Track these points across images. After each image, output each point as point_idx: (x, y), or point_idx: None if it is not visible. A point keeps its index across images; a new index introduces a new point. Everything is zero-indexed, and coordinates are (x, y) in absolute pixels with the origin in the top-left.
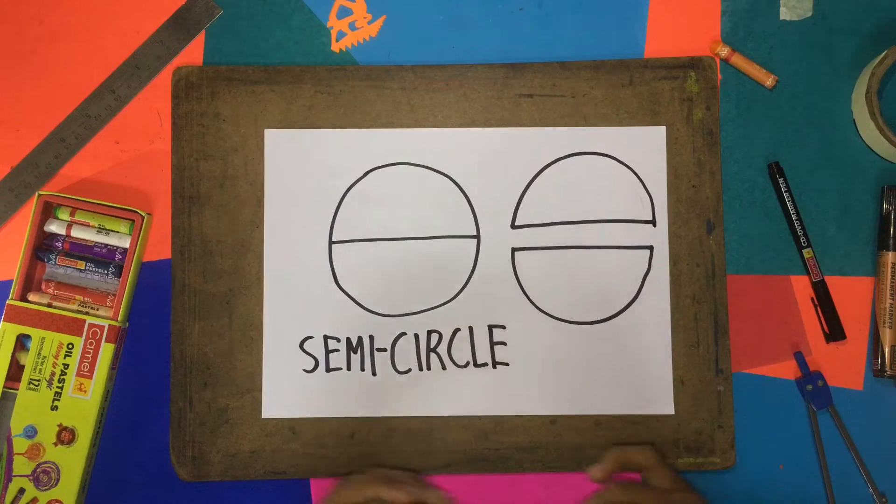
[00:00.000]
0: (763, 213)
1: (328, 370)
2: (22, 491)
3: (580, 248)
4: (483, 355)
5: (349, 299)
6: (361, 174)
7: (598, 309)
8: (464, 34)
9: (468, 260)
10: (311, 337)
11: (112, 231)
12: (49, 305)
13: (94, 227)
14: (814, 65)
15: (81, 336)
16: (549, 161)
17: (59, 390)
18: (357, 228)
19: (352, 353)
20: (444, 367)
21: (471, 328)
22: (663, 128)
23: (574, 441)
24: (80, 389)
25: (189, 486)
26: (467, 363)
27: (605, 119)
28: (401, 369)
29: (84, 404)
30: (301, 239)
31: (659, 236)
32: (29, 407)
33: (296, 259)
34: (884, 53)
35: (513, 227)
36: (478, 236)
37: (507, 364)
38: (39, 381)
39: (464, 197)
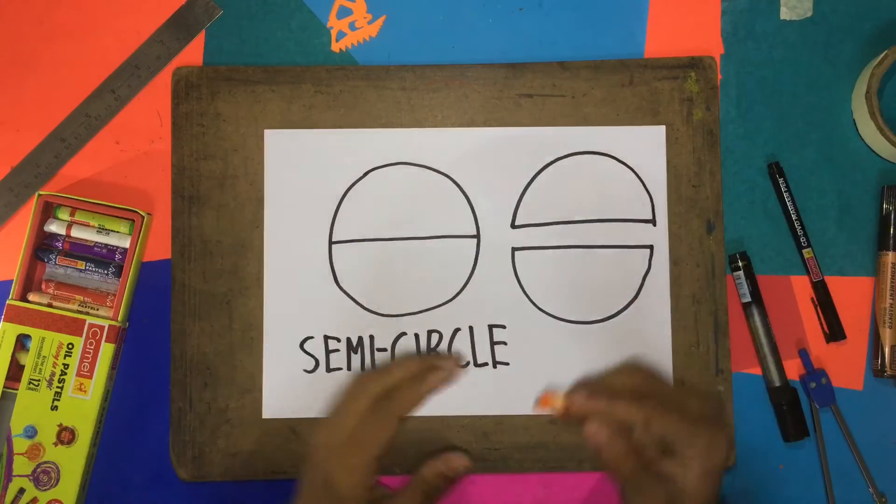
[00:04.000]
0: (763, 213)
1: (328, 370)
2: (22, 491)
3: (580, 248)
4: (483, 355)
5: (349, 299)
6: (361, 174)
7: (598, 308)
8: (464, 34)
9: (468, 260)
10: (312, 337)
11: (112, 231)
12: (49, 305)
13: (94, 227)
14: (814, 65)
15: (81, 336)
16: (549, 161)
17: (59, 390)
18: (357, 228)
19: (352, 354)
20: None
21: (471, 328)
22: (663, 127)
23: (574, 441)
24: (80, 389)
25: (189, 486)
26: (467, 363)
27: (605, 119)
28: None
29: (84, 404)
30: (301, 239)
31: (659, 236)
32: (29, 407)
33: (296, 259)
34: (884, 53)
35: (513, 226)
36: (478, 236)
37: (507, 364)
38: (39, 381)
39: (464, 197)
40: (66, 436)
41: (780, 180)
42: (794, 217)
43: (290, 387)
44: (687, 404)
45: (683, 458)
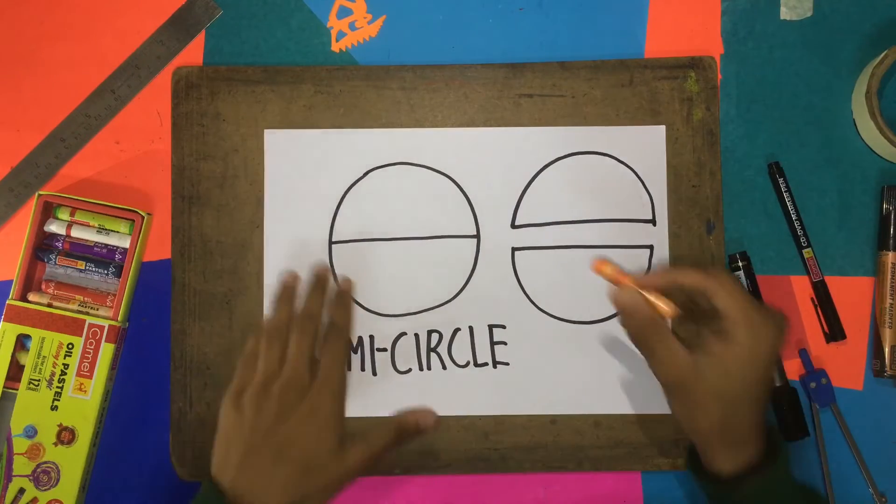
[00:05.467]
0: (763, 213)
1: None
2: (22, 491)
3: (580, 248)
4: (483, 355)
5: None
6: (361, 174)
7: (599, 308)
8: (464, 34)
9: (468, 260)
10: None
11: (112, 231)
12: (49, 305)
13: (94, 227)
14: (814, 65)
15: (81, 336)
16: (549, 160)
17: (59, 390)
18: (357, 228)
19: (352, 353)
20: (444, 367)
21: (471, 328)
22: (663, 127)
23: (574, 441)
24: (80, 389)
25: (189, 486)
26: (468, 363)
27: (605, 119)
28: (401, 369)
29: (84, 404)
30: (301, 239)
31: (659, 236)
32: (29, 407)
33: (296, 259)
34: (884, 53)
35: (513, 226)
36: (478, 236)
37: (507, 364)
38: (39, 381)
39: (464, 197)
40: (66, 436)
41: (780, 180)
42: (794, 217)
43: None
44: (747, 294)
45: (731, 336)
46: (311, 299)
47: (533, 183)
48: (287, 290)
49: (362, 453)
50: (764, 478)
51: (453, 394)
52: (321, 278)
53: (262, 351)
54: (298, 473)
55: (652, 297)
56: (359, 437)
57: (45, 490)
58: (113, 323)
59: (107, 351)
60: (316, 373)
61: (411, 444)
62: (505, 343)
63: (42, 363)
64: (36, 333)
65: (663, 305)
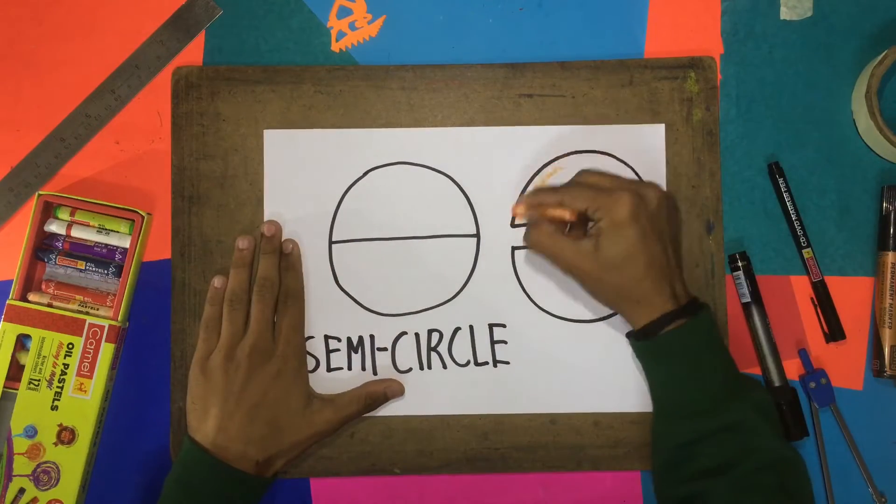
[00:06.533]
0: (763, 213)
1: (329, 370)
2: (22, 491)
3: None
4: (484, 354)
5: (349, 299)
6: (361, 174)
7: (598, 307)
8: (464, 34)
9: (468, 259)
10: (312, 337)
11: (112, 231)
12: (49, 305)
13: (94, 227)
14: (814, 65)
15: (81, 336)
16: (549, 159)
17: (59, 390)
18: (357, 228)
19: (353, 353)
20: (444, 366)
21: (471, 327)
22: (662, 125)
23: (573, 441)
24: (80, 389)
25: None
26: (468, 362)
27: (605, 119)
28: (402, 368)
29: (84, 404)
30: (301, 239)
31: None
32: (29, 407)
33: None
34: (884, 53)
35: (513, 225)
36: (478, 235)
37: (507, 363)
38: (39, 381)
39: (463, 196)
40: (66, 436)
41: (780, 180)
42: (793, 217)
43: None
44: (601, 183)
45: (596, 221)
46: (267, 264)
47: (533, 181)
48: (242, 254)
49: (330, 416)
50: (678, 329)
51: (453, 393)
52: (273, 241)
53: (225, 316)
54: (271, 431)
55: (552, 212)
56: (327, 400)
57: (45, 490)
58: (113, 323)
59: (107, 351)
60: (277, 337)
61: (408, 443)
62: (505, 342)
63: (42, 363)
64: (36, 333)
65: (559, 213)
